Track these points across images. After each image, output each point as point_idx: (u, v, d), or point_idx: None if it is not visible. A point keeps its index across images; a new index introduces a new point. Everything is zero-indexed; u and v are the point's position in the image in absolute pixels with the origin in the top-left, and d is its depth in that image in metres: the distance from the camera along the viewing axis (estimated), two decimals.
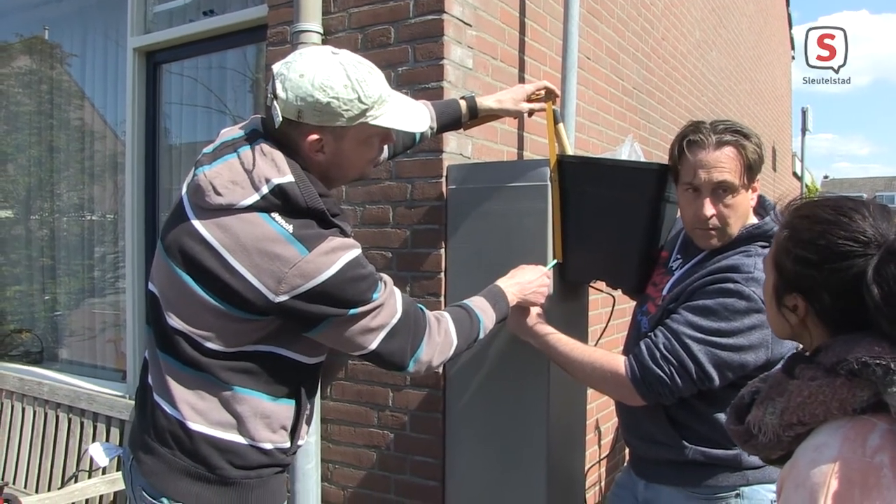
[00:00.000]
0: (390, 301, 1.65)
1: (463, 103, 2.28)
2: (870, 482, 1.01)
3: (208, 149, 1.63)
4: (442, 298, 2.57)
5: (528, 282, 2.09)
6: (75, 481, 3.42)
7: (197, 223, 1.54)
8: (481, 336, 1.89)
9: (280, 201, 1.51)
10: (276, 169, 1.52)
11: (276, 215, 1.52)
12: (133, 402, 3.56)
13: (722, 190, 1.88)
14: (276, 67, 1.56)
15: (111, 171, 4.26)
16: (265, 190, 1.51)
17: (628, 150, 2.42)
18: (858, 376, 1.06)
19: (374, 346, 1.63)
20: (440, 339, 1.75)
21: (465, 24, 2.66)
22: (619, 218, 2.25)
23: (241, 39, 3.42)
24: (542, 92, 2.38)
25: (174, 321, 1.59)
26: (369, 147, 1.66)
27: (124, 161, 3.87)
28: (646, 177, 2.18)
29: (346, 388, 2.82)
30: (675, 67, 5.23)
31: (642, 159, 2.41)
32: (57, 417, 3.89)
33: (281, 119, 1.52)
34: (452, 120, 2.28)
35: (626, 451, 4.07)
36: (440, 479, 2.61)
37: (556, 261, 2.31)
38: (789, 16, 13.75)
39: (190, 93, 3.76)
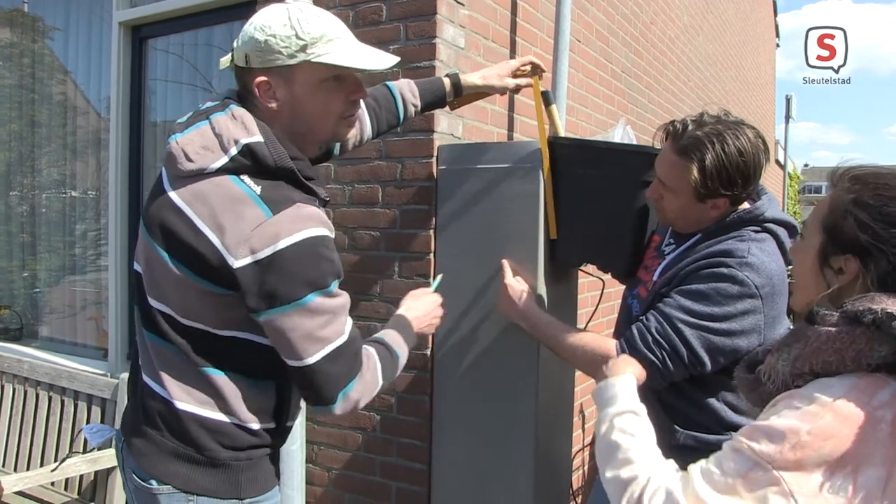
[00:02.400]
0: (341, 317, 1.55)
1: (447, 80, 2.25)
2: (865, 430, 1.04)
3: (182, 119, 1.61)
4: (431, 280, 2.55)
5: (424, 314, 1.95)
6: (59, 462, 3.38)
7: (173, 194, 1.52)
8: (396, 376, 1.79)
9: (249, 161, 1.49)
10: (246, 130, 1.51)
11: (245, 177, 1.49)
12: (114, 381, 3.55)
13: (665, 186, 1.93)
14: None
15: (94, 148, 4.20)
16: (234, 151, 1.49)
17: (621, 133, 2.41)
18: (881, 328, 1.06)
19: (312, 359, 1.50)
20: (370, 378, 1.62)
21: (458, 2, 2.63)
22: (611, 201, 2.25)
23: (229, 15, 3.36)
24: (528, 67, 2.36)
25: (153, 299, 1.58)
26: (327, 94, 1.58)
27: (108, 137, 3.81)
28: (639, 160, 2.17)
29: None
30: (663, 52, 5.22)
31: (634, 143, 2.41)
32: (37, 395, 3.85)
33: (230, 63, 1.54)
34: (437, 98, 2.25)
35: None
36: (427, 462, 2.60)
37: (441, 276, 2.22)
38: (774, 3, 13.79)
39: (175, 69, 3.70)
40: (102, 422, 3.55)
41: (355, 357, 1.58)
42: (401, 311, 1.94)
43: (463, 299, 2.49)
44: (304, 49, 1.51)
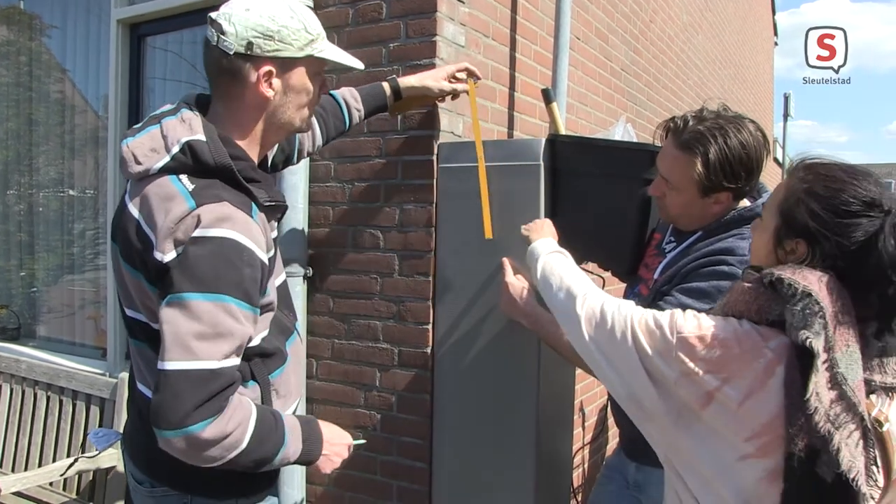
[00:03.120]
0: (224, 343, 1.41)
1: (386, 85, 2.32)
2: (750, 355, 1.24)
3: (138, 125, 1.61)
4: (431, 278, 2.55)
5: (332, 442, 1.72)
6: (68, 466, 3.36)
7: (129, 202, 1.53)
8: (274, 463, 1.55)
9: (190, 160, 1.49)
10: (190, 130, 1.51)
11: (183, 177, 1.49)
12: (113, 380, 3.54)
13: (667, 182, 1.92)
14: (213, 14, 1.56)
15: (92, 146, 4.18)
16: (175, 149, 1.49)
17: (621, 131, 2.41)
18: (775, 290, 1.26)
19: (169, 365, 1.37)
20: (231, 429, 1.43)
21: (458, 0, 2.62)
22: (611, 199, 2.24)
23: None
24: (464, 74, 2.43)
25: (127, 308, 1.59)
26: (312, 87, 1.65)
27: (106, 136, 3.80)
28: (640, 157, 2.17)
29: (332, 368, 2.80)
30: (663, 50, 5.21)
31: (635, 140, 2.40)
32: (35, 395, 3.84)
33: (234, 49, 1.52)
34: (379, 102, 2.32)
35: (611, 433, 4.09)
36: (427, 461, 2.60)
37: (363, 441, 1.98)
38: (773, 2, 13.78)
39: (174, 67, 3.69)
40: (101, 421, 3.55)
41: (219, 396, 1.40)
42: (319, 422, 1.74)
43: (463, 297, 2.49)
44: (310, 43, 1.58)
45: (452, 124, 2.62)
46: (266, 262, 1.52)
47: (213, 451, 1.41)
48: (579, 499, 3.34)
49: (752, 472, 1.23)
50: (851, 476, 1.16)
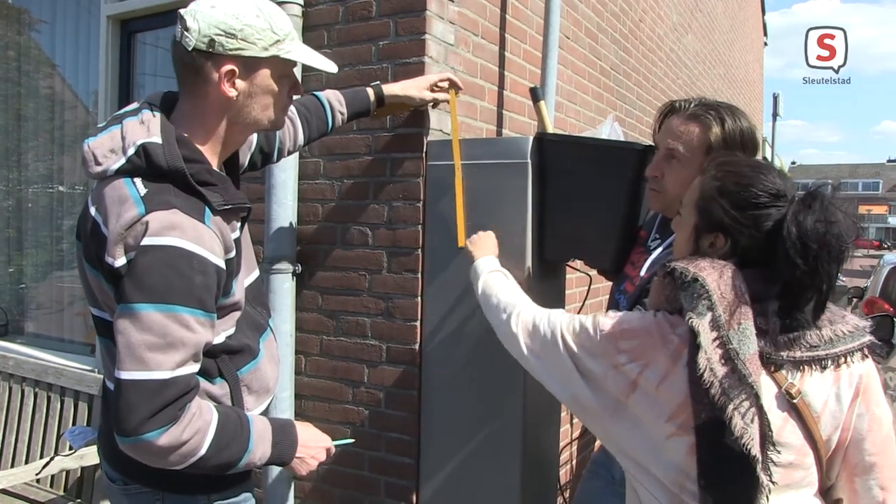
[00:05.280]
0: (175, 353, 1.40)
1: (370, 91, 2.35)
2: (660, 342, 1.39)
3: (101, 123, 1.59)
4: (419, 275, 2.56)
5: (309, 444, 1.75)
6: (44, 465, 3.36)
7: (90, 201, 1.52)
8: (239, 467, 1.56)
9: (144, 163, 1.47)
10: (147, 131, 1.49)
11: (137, 180, 1.47)
12: (101, 377, 3.52)
13: (672, 157, 1.92)
14: (181, 10, 1.53)
15: (81, 142, 4.16)
16: (131, 151, 1.47)
17: (609, 130, 2.42)
18: (673, 279, 1.40)
19: (123, 374, 1.38)
20: (186, 437, 1.43)
21: None
22: (598, 197, 2.26)
23: None
24: (446, 83, 2.47)
25: (92, 307, 1.58)
26: (280, 88, 1.62)
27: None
28: (627, 156, 2.19)
29: (320, 364, 2.80)
30: (652, 49, 5.23)
31: (622, 139, 2.42)
32: (23, 392, 3.83)
33: (193, 45, 1.49)
34: (363, 107, 2.34)
35: None
36: (415, 457, 2.61)
37: (351, 440, 2.09)
38: (762, 2, 13.82)
39: (164, 64, 3.68)
40: (89, 418, 3.54)
41: (173, 405, 1.40)
42: (297, 424, 1.77)
43: (451, 294, 2.50)
44: (276, 44, 1.55)
45: (441, 122, 2.63)
46: (222, 266, 1.50)
47: (172, 458, 1.43)
48: (566, 495, 3.36)
49: (679, 447, 1.35)
50: (743, 442, 1.27)
